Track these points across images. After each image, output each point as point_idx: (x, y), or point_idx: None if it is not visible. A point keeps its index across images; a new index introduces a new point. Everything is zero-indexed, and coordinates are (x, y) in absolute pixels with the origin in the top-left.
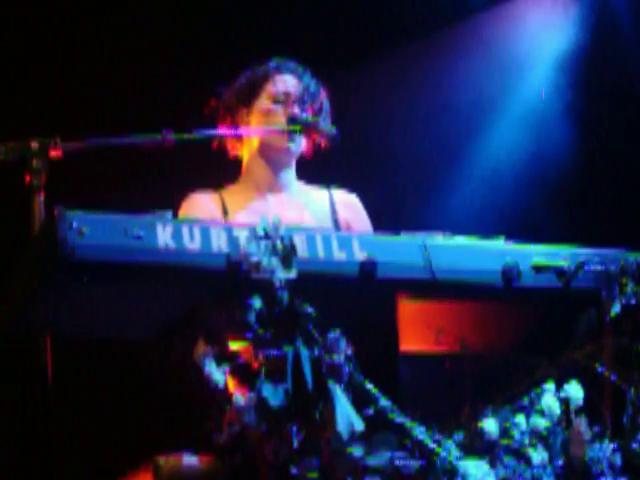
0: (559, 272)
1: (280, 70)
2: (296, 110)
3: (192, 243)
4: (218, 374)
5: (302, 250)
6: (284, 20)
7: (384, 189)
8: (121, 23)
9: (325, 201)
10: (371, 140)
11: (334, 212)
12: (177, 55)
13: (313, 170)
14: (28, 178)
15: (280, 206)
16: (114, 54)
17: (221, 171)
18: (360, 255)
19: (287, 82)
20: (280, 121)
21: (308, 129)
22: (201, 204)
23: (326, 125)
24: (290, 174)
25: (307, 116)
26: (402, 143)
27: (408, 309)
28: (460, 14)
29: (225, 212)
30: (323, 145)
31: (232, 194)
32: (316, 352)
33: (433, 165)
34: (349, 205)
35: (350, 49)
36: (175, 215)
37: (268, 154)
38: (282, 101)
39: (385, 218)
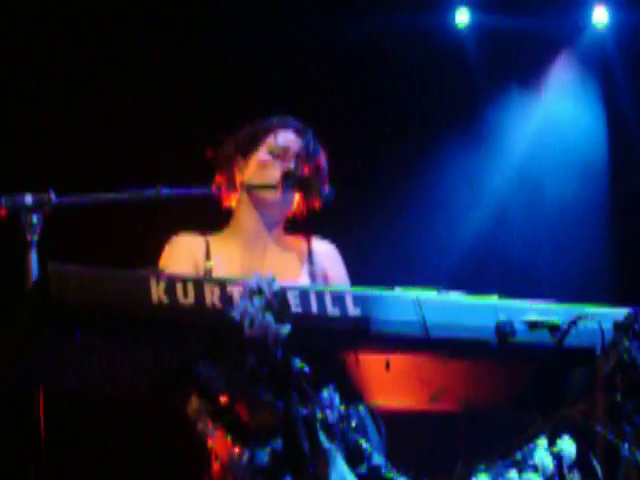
0: (553, 329)
1: (283, 125)
2: (292, 166)
3: (185, 298)
4: (211, 430)
5: (296, 306)
6: (282, 79)
7: (380, 243)
8: (117, 77)
9: (304, 251)
10: (367, 193)
11: (311, 263)
12: (171, 110)
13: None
14: (22, 233)
15: (268, 259)
16: (108, 109)
17: (213, 223)
18: (354, 311)
19: (288, 137)
20: (275, 175)
21: (301, 186)
22: (183, 246)
23: (320, 185)
24: (279, 228)
25: (302, 173)
26: (398, 195)
27: (401, 365)
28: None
29: (208, 257)
30: (316, 205)
31: (218, 241)
32: (310, 409)
33: (427, 220)
34: (327, 256)
35: (351, 108)
36: (159, 257)
37: (258, 206)
38: (280, 155)
39: (379, 273)
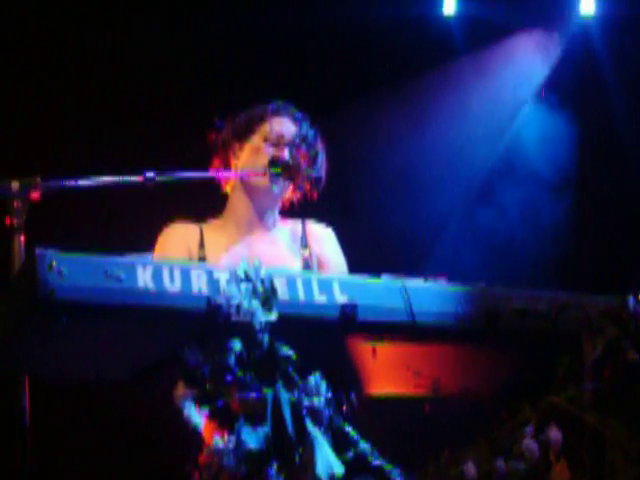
0: (540, 316)
1: (279, 112)
2: (285, 153)
3: (172, 285)
4: (197, 416)
5: (283, 293)
6: (273, 63)
7: (369, 230)
8: (110, 61)
9: (297, 236)
10: (358, 180)
11: (304, 246)
12: (160, 95)
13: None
14: (8, 218)
15: (258, 246)
16: (98, 93)
17: (203, 210)
18: (341, 298)
19: (283, 125)
20: (265, 161)
21: (289, 172)
22: (177, 235)
23: (308, 170)
24: (273, 216)
25: (294, 161)
26: (388, 185)
27: (387, 352)
28: (447, 57)
29: (202, 245)
30: (308, 190)
31: (212, 228)
32: (296, 395)
33: (417, 209)
34: (321, 239)
35: (343, 91)
36: (149, 242)
37: (250, 193)
38: (274, 142)
39: (367, 260)
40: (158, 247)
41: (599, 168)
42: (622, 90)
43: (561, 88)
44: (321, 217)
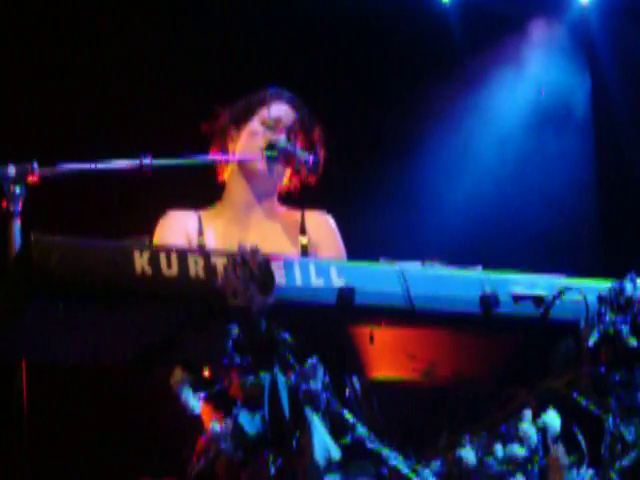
0: (537, 301)
1: (277, 97)
2: (282, 137)
3: (169, 269)
4: (194, 401)
5: (280, 277)
6: (275, 51)
7: (366, 216)
8: (106, 46)
9: (296, 223)
10: (355, 168)
11: (302, 233)
12: (157, 80)
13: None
14: (5, 203)
15: (256, 230)
16: (95, 78)
17: (201, 196)
18: (338, 282)
19: (281, 109)
20: (262, 145)
21: (285, 156)
22: (176, 223)
23: (303, 153)
24: (270, 200)
25: (292, 145)
26: (386, 170)
27: (385, 336)
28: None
29: (200, 232)
30: (304, 175)
31: (210, 215)
32: (293, 379)
33: (414, 193)
34: (320, 226)
35: (343, 81)
36: (152, 233)
37: (247, 177)
38: (271, 127)
39: (364, 245)
40: (157, 235)
41: (600, 153)
42: (621, 76)
43: (561, 74)
44: (322, 201)
